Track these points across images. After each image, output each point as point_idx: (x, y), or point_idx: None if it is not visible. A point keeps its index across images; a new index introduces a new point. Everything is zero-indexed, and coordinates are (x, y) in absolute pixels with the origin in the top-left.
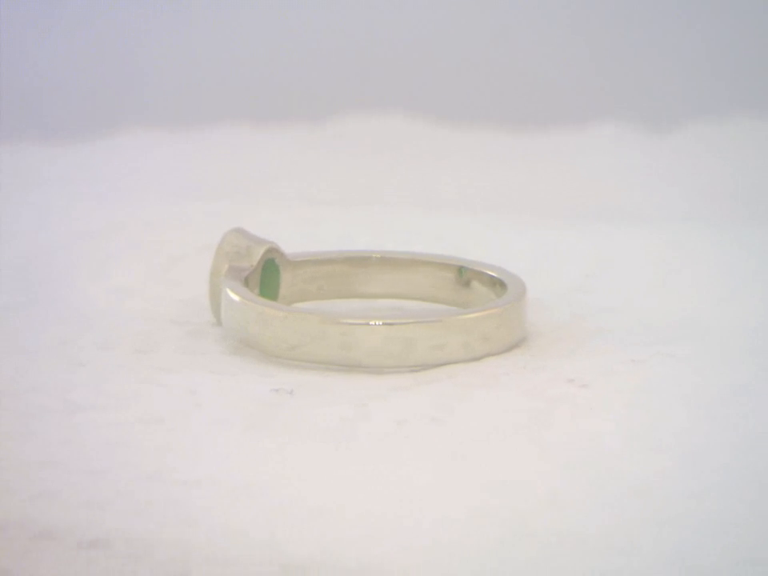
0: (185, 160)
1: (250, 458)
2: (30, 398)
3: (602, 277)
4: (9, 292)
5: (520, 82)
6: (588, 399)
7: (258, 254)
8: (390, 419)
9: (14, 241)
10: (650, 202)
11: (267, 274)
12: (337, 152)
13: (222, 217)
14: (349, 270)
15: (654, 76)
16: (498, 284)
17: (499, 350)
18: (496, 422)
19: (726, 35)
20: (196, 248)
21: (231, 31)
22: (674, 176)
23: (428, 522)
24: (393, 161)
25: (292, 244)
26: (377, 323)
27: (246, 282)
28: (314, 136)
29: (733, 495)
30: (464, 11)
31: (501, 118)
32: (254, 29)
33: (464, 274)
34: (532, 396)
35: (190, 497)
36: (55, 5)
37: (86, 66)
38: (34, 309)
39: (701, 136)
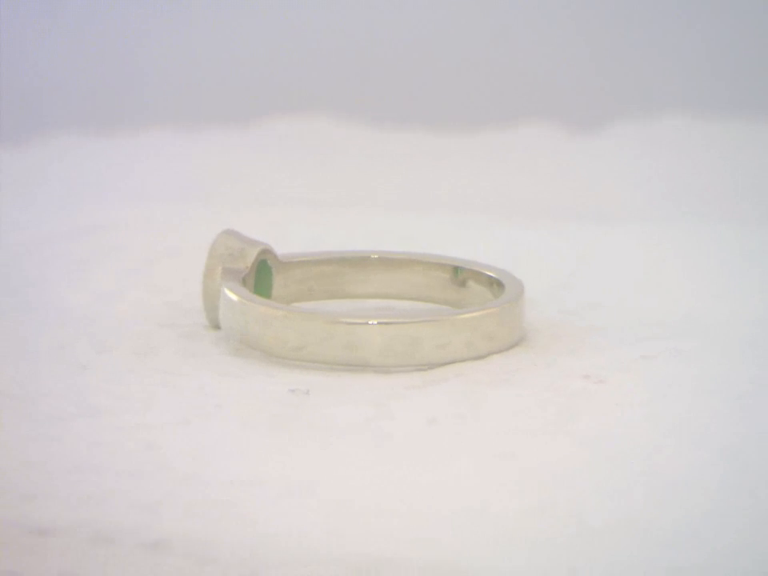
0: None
1: (291, 458)
2: (48, 403)
3: (583, 275)
4: None
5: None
6: (610, 394)
7: (253, 255)
8: (418, 417)
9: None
10: (625, 201)
11: (260, 276)
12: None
13: (194, 219)
14: (341, 270)
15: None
16: (495, 283)
17: (501, 348)
18: (525, 419)
19: (692, 33)
20: (168, 251)
21: (232, 32)
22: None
23: (490, 517)
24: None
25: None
26: (383, 322)
27: (243, 284)
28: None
29: None
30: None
31: (453, 119)
32: (228, 30)
33: (459, 274)
34: (552, 392)
35: (244, 497)
36: (55, 5)
37: (86, 65)
38: (22, 313)
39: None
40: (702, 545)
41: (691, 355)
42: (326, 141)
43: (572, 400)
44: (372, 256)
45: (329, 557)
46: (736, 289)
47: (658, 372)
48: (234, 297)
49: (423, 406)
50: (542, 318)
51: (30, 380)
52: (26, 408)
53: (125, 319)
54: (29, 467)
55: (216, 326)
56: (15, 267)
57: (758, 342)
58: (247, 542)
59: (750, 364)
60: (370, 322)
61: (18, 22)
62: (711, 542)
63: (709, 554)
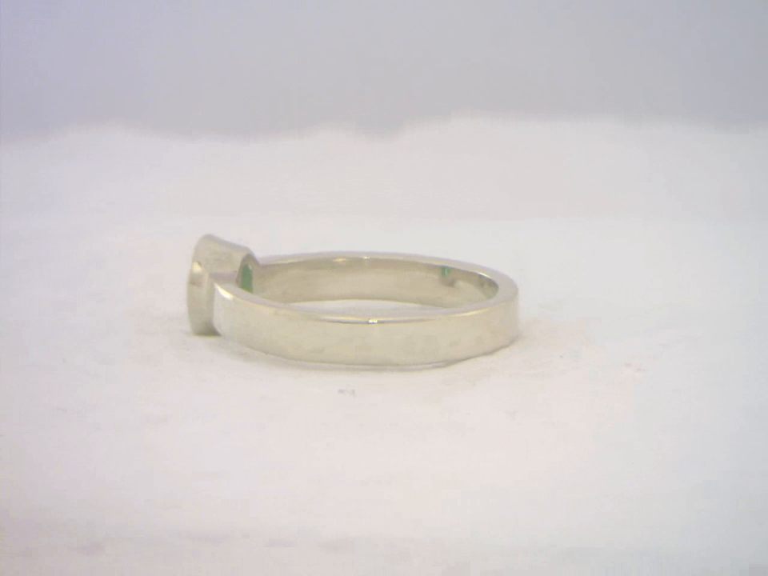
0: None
1: (401, 457)
2: (98, 414)
3: (557, 269)
4: None
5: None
6: (659, 381)
7: (239, 259)
8: (494, 410)
9: None
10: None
11: (243, 280)
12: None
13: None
14: (319, 273)
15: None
16: (486, 283)
17: (504, 344)
18: (595, 408)
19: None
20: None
21: (233, 33)
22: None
23: (660, 499)
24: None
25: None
26: (400, 321)
27: None
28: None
29: None
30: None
31: None
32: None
33: (448, 274)
34: (602, 381)
35: (395, 494)
36: (55, 5)
37: (86, 66)
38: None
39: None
40: None
41: (708, 342)
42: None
43: (628, 388)
44: (364, 257)
45: (520, 547)
46: (723, 279)
47: (688, 358)
48: (241, 301)
49: (485, 399)
50: (530, 313)
51: (61, 392)
52: (79, 420)
53: (96, 329)
54: (150, 475)
55: (200, 332)
56: None
57: (764, 327)
58: (432, 538)
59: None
60: (385, 321)
61: (18, 22)
62: None
63: None
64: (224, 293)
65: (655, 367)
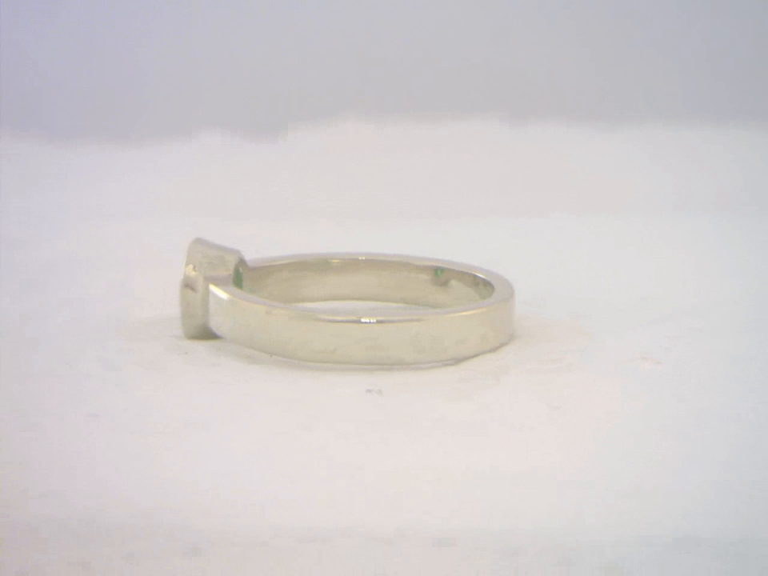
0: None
1: (472, 453)
2: (132, 419)
3: (533, 266)
4: None
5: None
6: (680, 373)
7: (233, 261)
8: (532, 405)
9: None
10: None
11: (235, 283)
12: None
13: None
14: (307, 275)
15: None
16: (481, 283)
17: (504, 342)
18: (630, 401)
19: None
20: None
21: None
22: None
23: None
24: None
25: None
26: (408, 320)
27: None
28: None
29: None
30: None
31: None
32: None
33: (441, 275)
34: (625, 375)
35: (476, 490)
36: (55, 5)
37: (85, 66)
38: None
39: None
40: None
41: (711, 334)
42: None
43: (653, 381)
44: (360, 258)
45: (630, 538)
46: (709, 272)
47: (700, 350)
48: (250, 304)
49: (518, 395)
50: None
51: (87, 400)
52: (118, 425)
53: (76, 336)
54: (227, 477)
55: (192, 336)
56: None
57: (760, 317)
58: (537, 530)
59: None
60: (395, 321)
61: (18, 22)
62: None
63: None
64: (227, 295)
65: (671, 360)
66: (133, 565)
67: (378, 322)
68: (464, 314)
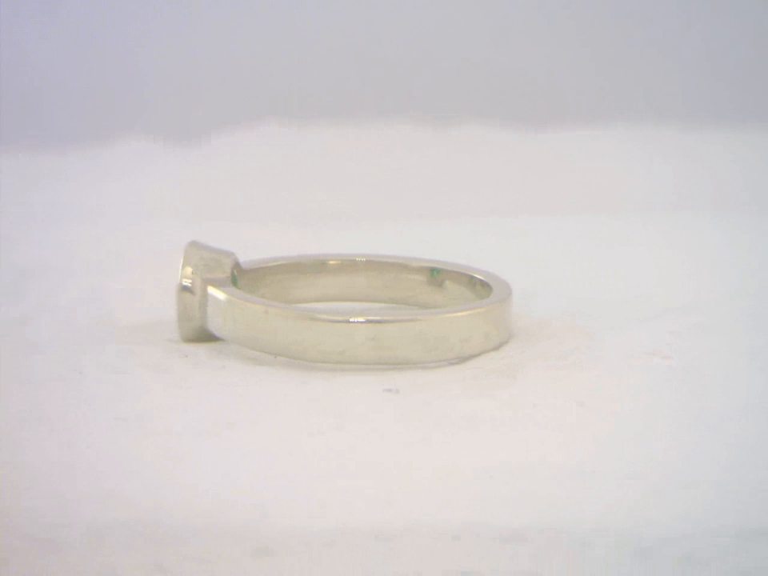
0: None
1: (516, 449)
2: (160, 422)
3: (520, 265)
4: None
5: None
6: (692, 368)
7: (229, 264)
8: (559, 401)
9: None
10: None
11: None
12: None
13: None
14: (298, 277)
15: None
16: (478, 283)
17: (505, 340)
18: (653, 396)
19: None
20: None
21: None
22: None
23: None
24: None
25: None
26: (414, 319)
27: None
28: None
29: None
30: None
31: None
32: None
33: (437, 276)
34: (640, 371)
35: (535, 485)
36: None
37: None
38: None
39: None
40: None
41: (713, 329)
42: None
43: (669, 375)
44: (358, 259)
45: (701, 530)
46: (701, 269)
47: (708, 344)
48: (256, 306)
49: (540, 392)
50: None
51: (94, 403)
52: (149, 428)
53: (69, 341)
54: (284, 478)
55: (189, 339)
56: None
57: (757, 312)
58: (603, 524)
59: None
60: (403, 320)
61: (18, 22)
62: None
63: None
64: (232, 298)
65: (679, 355)
66: (206, 565)
67: (385, 321)
68: (468, 312)
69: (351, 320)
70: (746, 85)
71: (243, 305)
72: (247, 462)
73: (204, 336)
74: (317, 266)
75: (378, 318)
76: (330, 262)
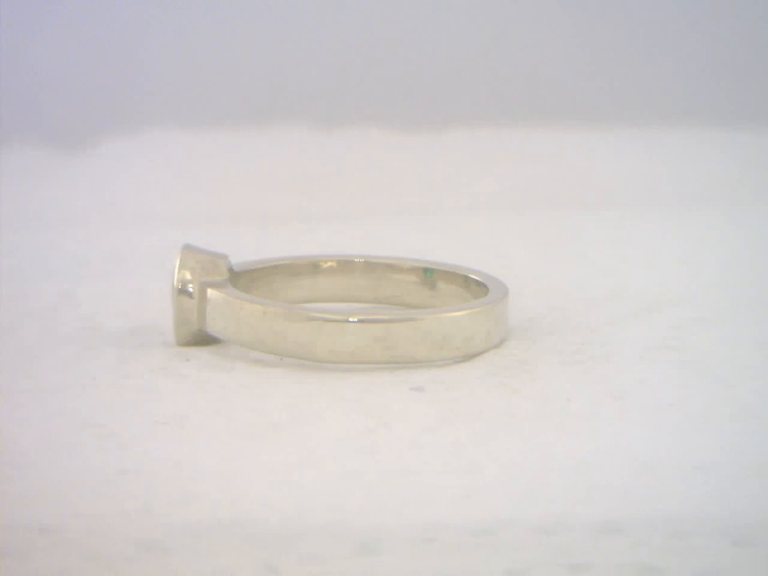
0: None
1: (581, 444)
2: (202, 424)
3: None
4: None
5: None
6: (708, 360)
7: (225, 266)
8: (594, 396)
9: None
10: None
11: None
12: None
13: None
14: (286, 278)
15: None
16: (473, 283)
17: (504, 338)
18: (683, 388)
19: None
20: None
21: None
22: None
23: None
24: None
25: None
26: (420, 319)
27: None
28: None
29: None
30: None
31: None
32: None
33: (430, 276)
34: (659, 364)
35: (612, 479)
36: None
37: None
38: None
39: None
40: None
41: (713, 321)
42: None
43: (689, 366)
44: (356, 260)
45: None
46: (685, 264)
47: (717, 336)
48: (263, 308)
49: (569, 387)
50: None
51: (123, 408)
52: (193, 431)
53: (57, 346)
54: (358, 476)
55: (185, 343)
56: None
57: (750, 304)
58: (694, 513)
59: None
60: (411, 319)
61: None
62: None
63: None
64: (236, 300)
65: (689, 348)
66: (317, 565)
67: (394, 321)
68: (472, 310)
69: (362, 320)
70: (724, 81)
71: (250, 307)
72: (317, 461)
73: (200, 339)
74: (309, 267)
75: (387, 317)
76: (323, 264)
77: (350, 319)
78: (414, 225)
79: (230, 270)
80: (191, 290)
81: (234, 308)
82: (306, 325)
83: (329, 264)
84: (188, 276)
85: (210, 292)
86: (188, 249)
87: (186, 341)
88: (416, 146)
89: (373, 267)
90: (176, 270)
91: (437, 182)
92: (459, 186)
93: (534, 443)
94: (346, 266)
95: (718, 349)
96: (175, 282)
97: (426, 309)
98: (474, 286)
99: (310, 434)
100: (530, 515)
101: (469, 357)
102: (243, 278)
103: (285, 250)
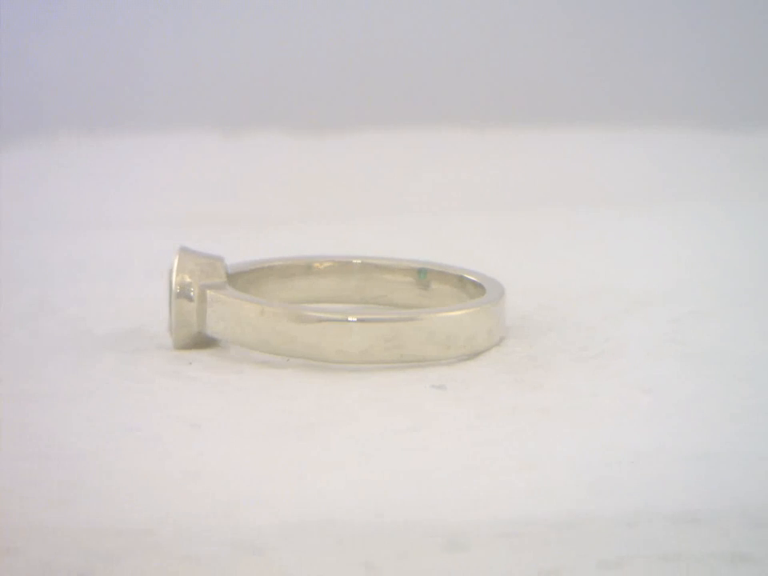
0: None
1: (626, 437)
2: (233, 426)
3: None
4: None
5: None
6: (721, 354)
7: (223, 268)
8: (623, 390)
9: None
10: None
11: None
12: None
13: None
14: (283, 280)
15: None
16: (469, 284)
17: (503, 336)
18: (704, 381)
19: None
20: None
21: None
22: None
23: None
24: None
25: None
26: (425, 318)
27: None
28: None
29: None
30: None
31: None
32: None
33: (424, 277)
34: (669, 358)
35: (681, 469)
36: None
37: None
38: None
39: None
40: None
41: (710, 315)
42: None
43: (699, 360)
44: (354, 261)
45: None
46: (669, 260)
47: (708, 330)
48: (272, 309)
49: (585, 383)
50: None
51: (145, 412)
52: (227, 433)
53: (50, 352)
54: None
55: (183, 347)
56: None
57: (743, 298)
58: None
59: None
60: (419, 318)
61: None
62: None
63: None
64: (241, 302)
65: (693, 342)
66: (412, 562)
67: (401, 320)
68: (474, 309)
69: (371, 320)
70: (711, 81)
71: (257, 308)
72: (373, 460)
73: (197, 342)
74: (300, 269)
75: (396, 316)
76: (316, 265)
77: (359, 319)
78: (384, 227)
79: (226, 272)
80: (191, 292)
81: (239, 310)
82: (316, 326)
83: (326, 264)
84: (187, 279)
85: (211, 294)
86: (185, 251)
87: (184, 344)
88: (399, 146)
89: (366, 268)
90: (174, 273)
91: (403, 182)
92: (435, 185)
93: (583, 437)
94: (342, 267)
95: (726, 342)
96: (174, 285)
97: (431, 308)
98: (470, 286)
99: (352, 433)
100: (608, 508)
101: (473, 355)
102: (240, 280)
103: (279, 252)
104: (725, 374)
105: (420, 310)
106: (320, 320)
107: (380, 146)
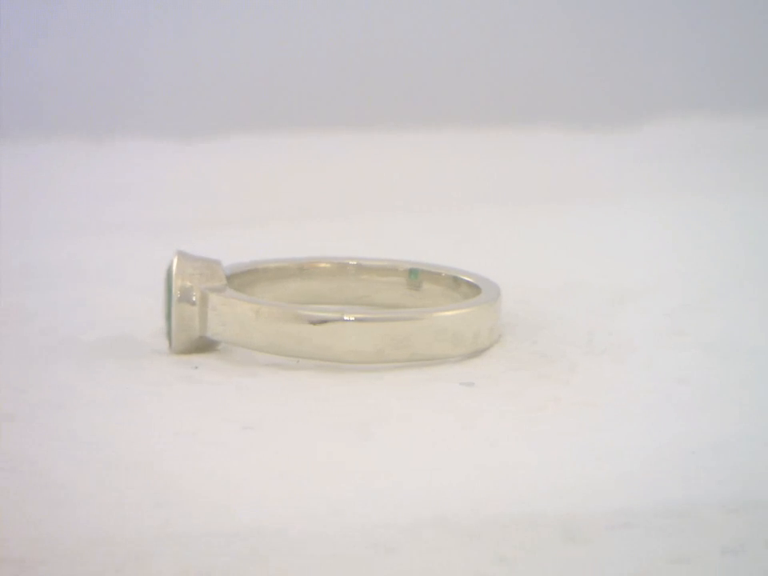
0: None
1: (663, 430)
2: (284, 429)
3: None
4: None
5: None
6: (727, 346)
7: (221, 271)
8: (650, 384)
9: None
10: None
11: None
12: None
13: None
14: (279, 280)
15: None
16: (463, 284)
17: (502, 333)
18: (721, 375)
19: None
20: None
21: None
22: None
23: None
24: None
25: None
26: (431, 317)
27: None
28: None
29: None
30: None
31: None
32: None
33: (415, 278)
34: (681, 352)
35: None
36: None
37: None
38: None
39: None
40: None
41: (705, 309)
42: None
43: (711, 352)
44: (350, 262)
45: None
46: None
47: (708, 323)
48: (282, 311)
49: (606, 377)
50: None
51: (187, 416)
52: (279, 436)
53: (53, 356)
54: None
55: (183, 351)
56: None
57: (732, 291)
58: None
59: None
60: (427, 317)
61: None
62: None
63: None
64: (248, 305)
65: (703, 334)
66: (538, 554)
67: (410, 319)
68: (477, 307)
69: (380, 320)
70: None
71: (266, 310)
72: (453, 455)
73: (199, 346)
74: (293, 270)
75: (405, 315)
76: (313, 265)
77: (371, 318)
78: (377, 225)
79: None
80: (193, 296)
81: (245, 312)
82: (329, 326)
83: (314, 266)
84: (188, 283)
85: (213, 298)
86: (182, 256)
87: (186, 348)
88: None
89: (361, 270)
90: (173, 278)
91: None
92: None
93: (646, 428)
94: (338, 268)
95: (729, 333)
96: (174, 290)
97: (437, 307)
98: (464, 286)
99: (411, 432)
100: (710, 496)
101: (477, 353)
102: (235, 282)
103: (273, 253)
104: (745, 361)
105: (435, 308)
106: (332, 321)
107: (377, 146)
